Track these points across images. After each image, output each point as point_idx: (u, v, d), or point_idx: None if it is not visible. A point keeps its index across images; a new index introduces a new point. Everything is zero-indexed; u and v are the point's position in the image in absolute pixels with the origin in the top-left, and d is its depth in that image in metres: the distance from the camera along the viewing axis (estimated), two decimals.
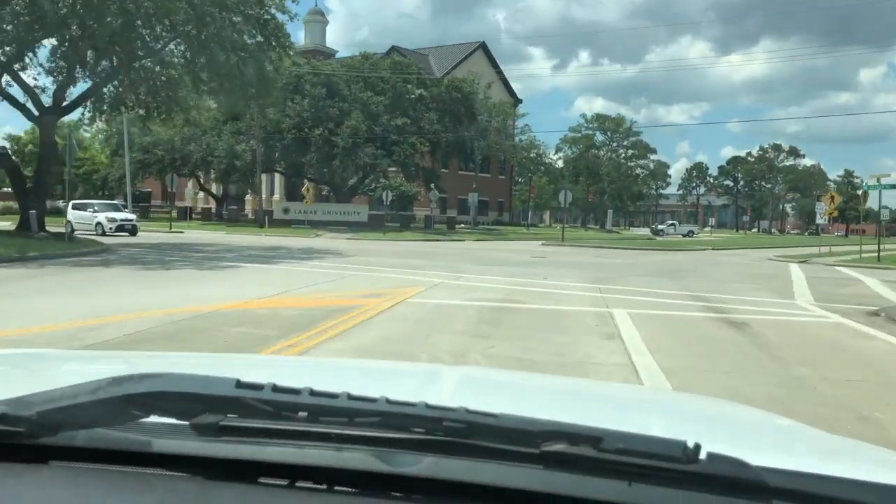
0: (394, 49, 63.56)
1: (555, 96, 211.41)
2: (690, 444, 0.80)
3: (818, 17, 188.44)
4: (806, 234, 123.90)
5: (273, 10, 22.26)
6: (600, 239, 51.33)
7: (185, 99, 23.90)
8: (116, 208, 34.72)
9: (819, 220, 34.26)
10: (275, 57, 22.77)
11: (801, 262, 27.84)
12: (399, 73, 48.49)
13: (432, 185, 47.69)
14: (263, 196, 65.67)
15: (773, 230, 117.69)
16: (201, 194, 61.95)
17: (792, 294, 14.49)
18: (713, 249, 38.14)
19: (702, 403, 2.11)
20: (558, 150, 78.07)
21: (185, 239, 30.41)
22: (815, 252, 34.49)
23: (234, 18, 20.47)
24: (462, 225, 57.77)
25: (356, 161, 44.58)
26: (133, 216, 34.00)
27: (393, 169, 50.36)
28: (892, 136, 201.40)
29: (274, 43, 22.37)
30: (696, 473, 0.79)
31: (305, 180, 47.71)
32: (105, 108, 23.99)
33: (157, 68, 22.48)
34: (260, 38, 22.15)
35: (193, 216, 57.16)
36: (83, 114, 24.17)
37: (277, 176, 58.94)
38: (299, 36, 71.85)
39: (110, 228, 31.48)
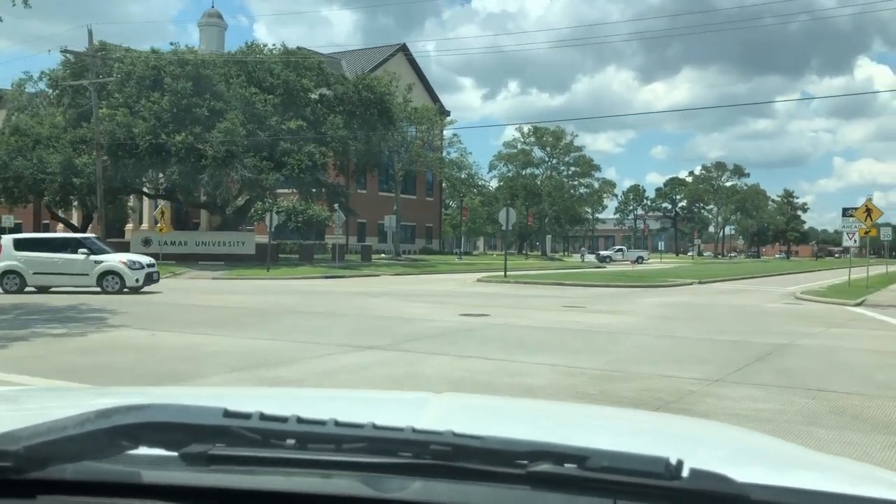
0: (299, 49, 53.35)
1: (485, 127, 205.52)
2: (673, 461, 0.81)
3: (735, 47, 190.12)
4: (742, 256, 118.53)
5: None
6: (545, 268, 42.01)
7: None
8: (99, 248, 19.63)
9: (847, 242, 25.44)
10: None
11: (859, 303, 18.82)
12: (293, 62, 38.28)
13: (336, 206, 37.32)
14: (138, 225, 54.11)
15: (705, 253, 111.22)
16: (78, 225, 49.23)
17: None
18: (700, 283, 28.99)
19: (685, 423, 2.20)
20: (493, 167, 68.74)
21: None
22: (843, 281, 25.78)
23: None
24: (382, 255, 47.58)
25: (232, 175, 33.91)
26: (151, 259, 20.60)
27: (286, 190, 39.95)
28: (808, 161, 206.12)
29: None
30: (679, 489, 0.79)
31: (162, 201, 36.66)
32: None
33: None
34: None
35: None
36: None
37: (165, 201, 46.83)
38: (194, 40, 60.88)
39: (137, 281, 18.45)
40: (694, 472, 0.80)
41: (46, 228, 60.83)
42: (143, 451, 0.87)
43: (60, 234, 23.26)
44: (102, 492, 0.85)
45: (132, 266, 18.75)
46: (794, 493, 0.86)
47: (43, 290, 18.63)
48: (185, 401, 1.26)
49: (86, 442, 0.86)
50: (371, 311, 14.39)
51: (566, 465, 0.81)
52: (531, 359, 8.47)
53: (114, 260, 18.93)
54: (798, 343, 10.37)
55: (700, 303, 18.66)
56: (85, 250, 18.83)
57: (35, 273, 18.57)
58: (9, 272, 18.53)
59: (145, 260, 19.54)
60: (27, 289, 18.42)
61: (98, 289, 18.32)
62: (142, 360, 8.06)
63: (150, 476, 0.85)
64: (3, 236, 20.10)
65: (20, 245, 19.05)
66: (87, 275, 18.57)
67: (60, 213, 47.34)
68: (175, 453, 0.86)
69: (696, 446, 1.51)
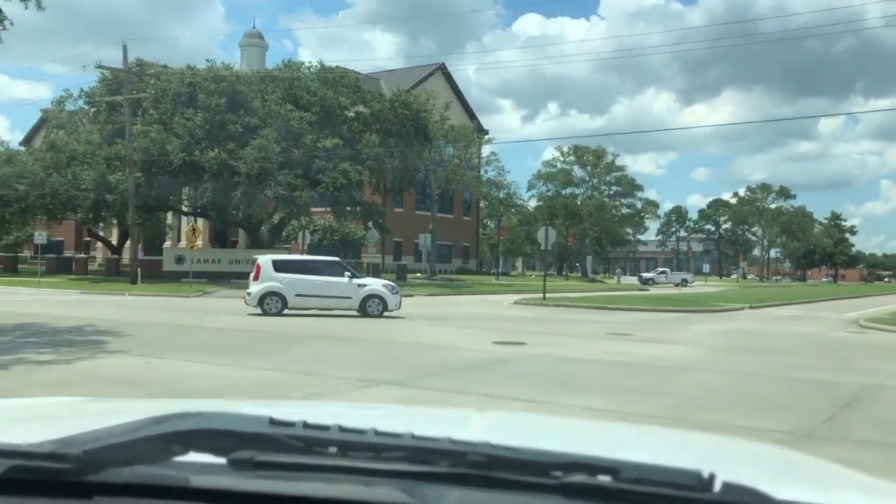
0: (336, 67, 52.90)
1: (523, 147, 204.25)
2: (705, 474, 0.82)
3: (778, 70, 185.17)
4: (788, 280, 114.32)
5: None
6: (587, 290, 40.45)
7: None
8: (354, 271, 20.08)
9: None
10: None
11: None
12: (331, 79, 37.64)
13: (370, 225, 36.37)
14: (176, 242, 53.90)
15: (749, 276, 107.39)
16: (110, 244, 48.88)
17: None
18: (751, 308, 27.22)
19: (717, 439, 2.19)
20: (531, 186, 67.27)
21: None
22: None
23: None
24: (417, 275, 46.48)
25: (266, 192, 33.19)
26: None
27: (321, 209, 39.17)
28: (853, 183, 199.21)
29: None
30: (710, 502, 0.80)
31: (194, 218, 36.11)
32: None
33: None
34: None
35: (92, 269, 44.79)
36: None
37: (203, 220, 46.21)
38: (235, 60, 61.00)
39: (397, 305, 18.45)
40: (726, 485, 0.80)
41: (87, 246, 61.06)
42: (193, 456, 0.91)
43: (317, 256, 22.91)
44: (154, 494, 0.88)
45: (392, 290, 18.70)
46: None
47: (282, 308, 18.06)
48: (232, 411, 1.30)
49: (140, 447, 0.90)
50: (394, 337, 13.21)
51: (599, 476, 0.83)
52: (575, 401, 7.16)
53: (376, 284, 19.03)
54: (888, 384, 8.86)
55: (759, 330, 17.07)
56: (348, 273, 18.78)
57: (297, 295, 18.13)
58: (271, 294, 18.10)
59: (394, 285, 19.61)
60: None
61: (358, 313, 18.03)
62: (117, 396, 6.96)
63: (199, 480, 0.88)
64: (260, 257, 19.92)
65: (279, 266, 18.68)
66: (350, 298, 18.26)
67: (100, 232, 47.40)
68: (223, 459, 0.89)
69: (733, 462, 1.45)
